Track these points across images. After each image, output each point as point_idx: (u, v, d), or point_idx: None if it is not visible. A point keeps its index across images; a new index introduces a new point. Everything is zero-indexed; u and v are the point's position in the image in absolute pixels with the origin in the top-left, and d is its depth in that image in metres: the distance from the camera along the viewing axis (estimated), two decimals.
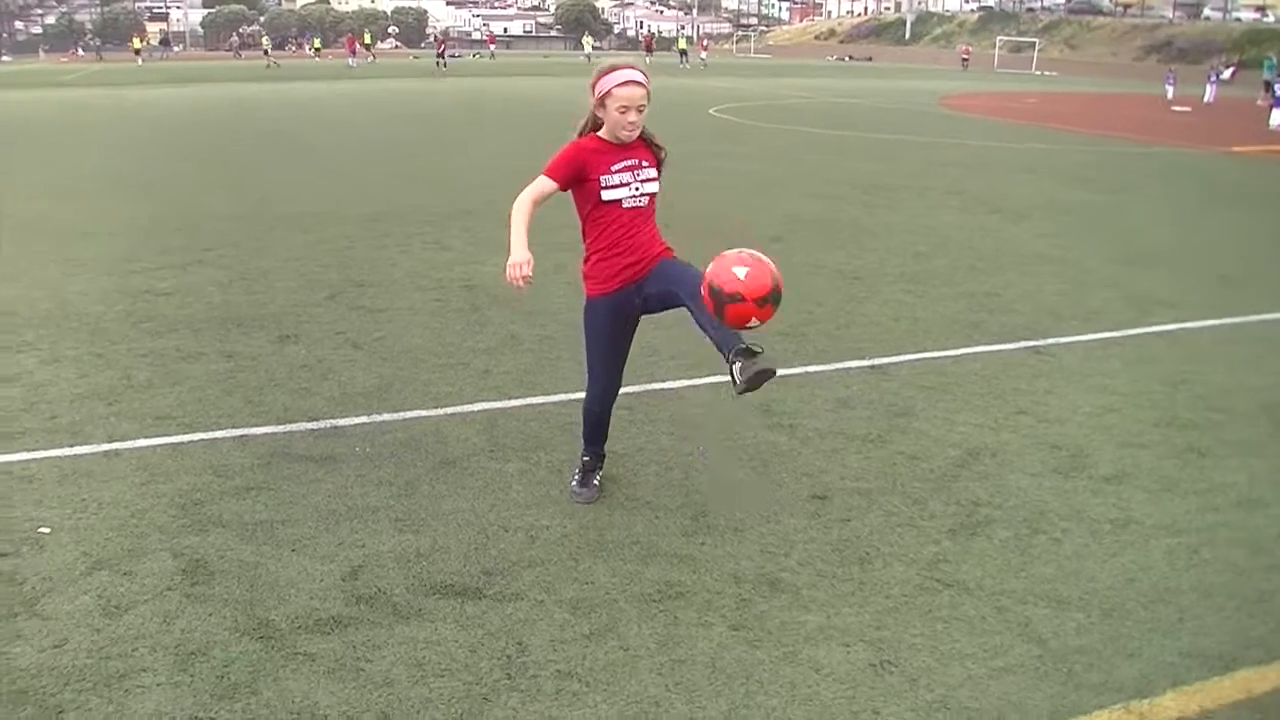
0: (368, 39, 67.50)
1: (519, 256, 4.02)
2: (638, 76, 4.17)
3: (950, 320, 7.63)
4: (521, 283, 4.00)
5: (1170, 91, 39.27)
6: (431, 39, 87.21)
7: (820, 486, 4.84)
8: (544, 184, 4.22)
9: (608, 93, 4.15)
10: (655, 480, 4.89)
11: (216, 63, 66.28)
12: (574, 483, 4.73)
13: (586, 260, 4.41)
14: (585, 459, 4.76)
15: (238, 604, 3.81)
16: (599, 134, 4.28)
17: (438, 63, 55.76)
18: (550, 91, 36.14)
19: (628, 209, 4.26)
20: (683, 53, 63.46)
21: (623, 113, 4.16)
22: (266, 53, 65.35)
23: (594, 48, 65.00)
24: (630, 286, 4.32)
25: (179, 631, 3.63)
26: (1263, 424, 5.71)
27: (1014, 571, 4.09)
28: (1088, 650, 3.57)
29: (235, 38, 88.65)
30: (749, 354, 3.91)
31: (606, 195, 4.22)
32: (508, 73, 51.75)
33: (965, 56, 69.24)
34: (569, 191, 4.29)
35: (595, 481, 4.73)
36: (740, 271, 3.77)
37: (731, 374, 3.95)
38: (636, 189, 4.27)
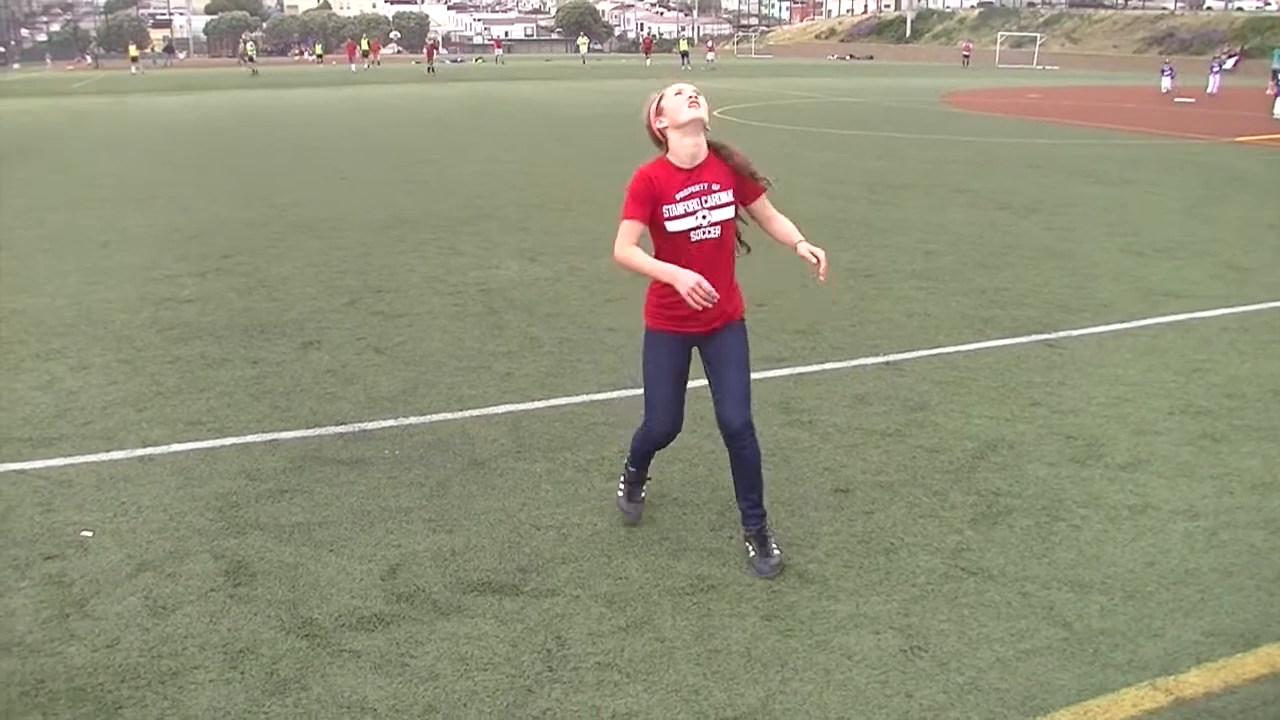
0: (364, 45, 67.60)
1: (690, 278, 3.72)
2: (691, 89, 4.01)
3: (962, 316, 7.72)
4: (710, 301, 3.74)
5: (1167, 84, 37.83)
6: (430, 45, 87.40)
7: (842, 480, 4.94)
8: (632, 229, 3.89)
9: (661, 97, 3.98)
10: (681, 478, 4.99)
11: (217, 69, 66.42)
12: (620, 497, 4.59)
13: (651, 289, 4.11)
14: (632, 469, 4.53)
15: (281, 603, 3.91)
16: (666, 157, 4.00)
17: (429, 69, 56.61)
18: (553, 95, 36.33)
19: (696, 242, 3.94)
20: (684, 54, 63.40)
21: (679, 94, 3.93)
22: (251, 59, 64.86)
23: (592, 49, 64.98)
24: (692, 336, 4.12)
25: (226, 630, 3.74)
26: (1275, 409, 5.81)
27: (1036, 558, 4.19)
28: (1112, 631, 3.67)
29: (242, 45, 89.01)
30: (765, 548, 4.19)
31: (671, 226, 3.92)
32: (509, 77, 51.91)
33: (966, 53, 69.28)
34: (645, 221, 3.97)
35: (641, 496, 4.58)
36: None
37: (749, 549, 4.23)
38: (704, 217, 3.94)
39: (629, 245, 3.88)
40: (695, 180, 3.95)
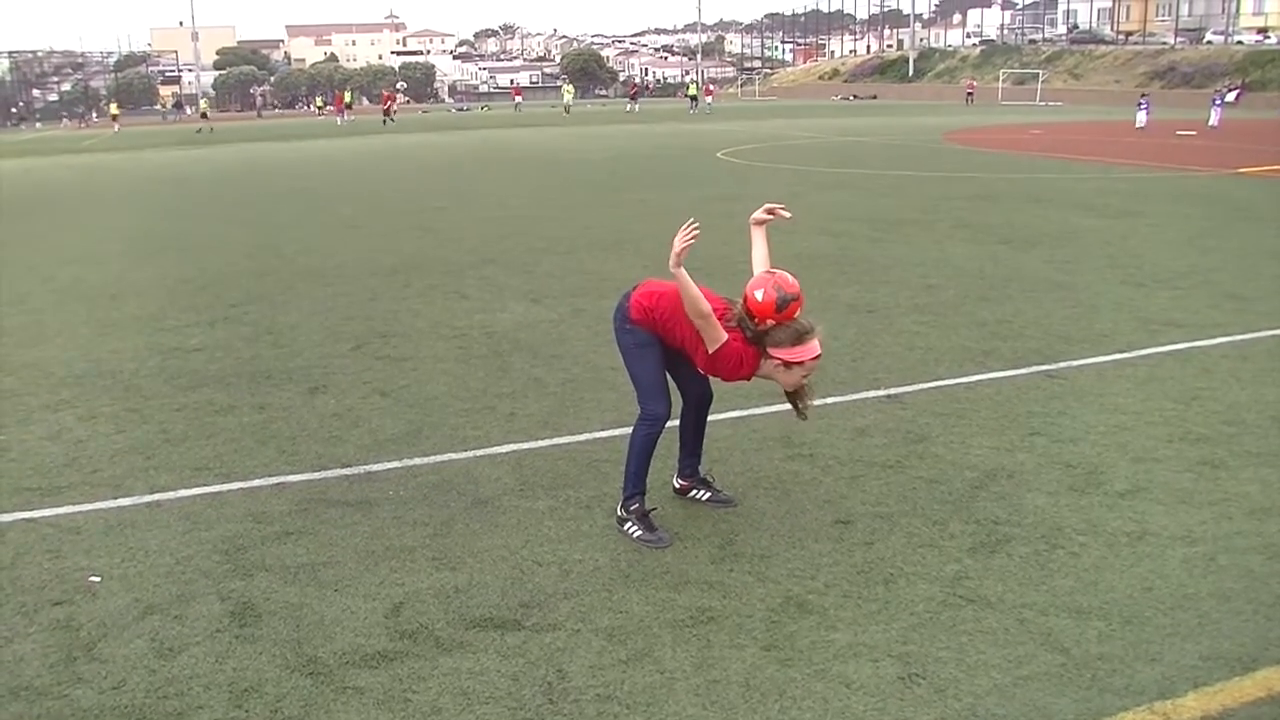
0: (348, 98, 66.39)
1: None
2: (820, 349, 4.35)
3: (963, 348, 7.77)
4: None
5: (1142, 119, 36.35)
6: (443, 93, 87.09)
7: (842, 512, 4.97)
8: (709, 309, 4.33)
9: (800, 363, 4.32)
10: (683, 512, 5.03)
11: (225, 124, 66.93)
12: (640, 532, 4.71)
13: (643, 302, 4.67)
14: (635, 506, 4.75)
15: (286, 643, 3.95)
16: (758, 348, 4.37)
17: (384, 120, 55.73)
18: (557, 141, 36.61)
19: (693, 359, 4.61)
20: (693, 99, 63.27)
21: (803, 378, 4.40)
22: (204, 115, 62.08)
23: (596, 94, 64.25)
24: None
25: (231, 670, 3.78)
26: (1274, 435, 5.83)
27: (1034, 585, 4.21)
28: (1110, 656, 3.68)
29: (259, 98, 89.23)
30: (713, 486, 5.17)
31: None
32: (515, 124, 52.35)
33: (970, 91, 69.73)
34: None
35: (656, 524, 4.76)
36: (791, 278, 4.38)
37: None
38: (704, 370, 4.62)
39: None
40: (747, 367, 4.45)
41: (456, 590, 4.30)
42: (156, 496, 5.38)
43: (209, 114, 64.45)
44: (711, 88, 74.92)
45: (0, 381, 7.58)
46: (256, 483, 5.53)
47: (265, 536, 4.86)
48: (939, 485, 5.25)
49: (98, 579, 4.49)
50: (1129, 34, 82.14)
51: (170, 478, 5.63)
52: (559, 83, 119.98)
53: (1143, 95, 40.64)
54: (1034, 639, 3.82)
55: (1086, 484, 5.22)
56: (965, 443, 5.82)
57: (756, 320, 4.33)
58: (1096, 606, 4.04)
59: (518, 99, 79.69)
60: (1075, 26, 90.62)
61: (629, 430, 4.78)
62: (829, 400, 6.63)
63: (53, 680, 3.74)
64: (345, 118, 61.61)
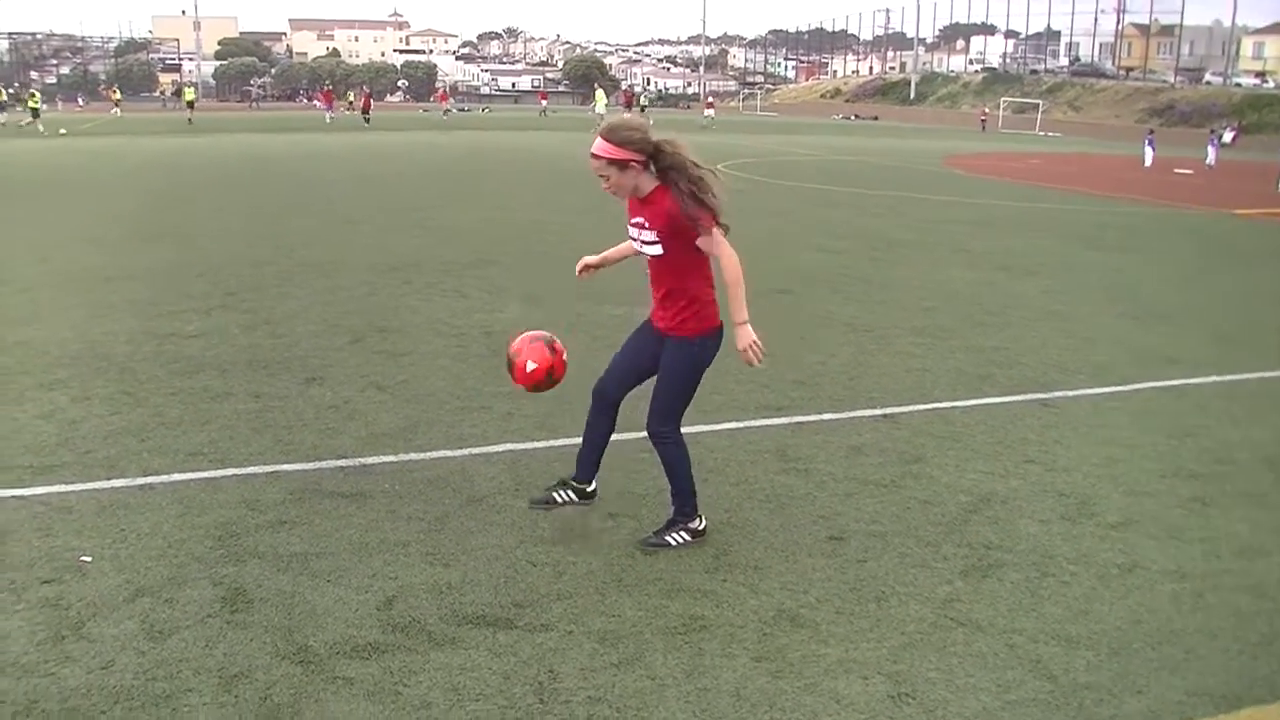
0: (350, 97, 64.38)
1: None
2: (594, 148, 4.38)
3: (959, 372, 7.80)
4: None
5: (1149, 155, 35.26)
6: (443, 91, 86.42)
7: (836, 528, 4.99)
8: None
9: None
10: None
11: (224, 114, 66.71)
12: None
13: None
14: (695, 524, 4.81)
15: (277, 630, 3.95)
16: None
17: (328, 118, 55.09)
18: (557, 145, 36.62)
19: (646, 255, 4.54)
20: (627, 107, 65.58)
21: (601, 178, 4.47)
22: (191, 105, 57.48)
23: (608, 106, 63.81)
24: (658, 329, 4.64)
25: (221, 655, 3.77)
26: (1265, 476, 5.87)
27: (1025, 611, 4.23)
28: (1097, 686, 3.70)
29: (257, 90, 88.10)
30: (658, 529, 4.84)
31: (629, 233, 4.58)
32: (509, 127, 52.37)
33: (983, 118, 70.04)
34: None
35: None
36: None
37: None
38: (639, 243, 4.53)
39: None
40: (636, 214, 4.48)
41: (449, 586, 4.31)
42: (150, 479, 5.37)
43: (194, 102, 59.55)
44: (712, 100, 74.81)
45: None
46: (251, 470, 5.53)
47: (259, 524, 4.86)
48: (933, 507, 5.27)
49: (89, 559, 4.48)
50: (1130, 70, 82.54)
51: (164, 461, 5.62)
52: (560, 88, 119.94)
53: (1150, 131, 40.28)
54: (1023, 665, 3.84)
55: (1079, 513, 5.25)
56: (960, 466, 5.85)
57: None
58: (1085, 636, 4.06)
59: (544, 103, 76.80)
60: (1077, 59, 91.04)
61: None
62: (824, 416, 6.66)
63: (40, 658, 3.73)
64: (341, 113, 59.23)
